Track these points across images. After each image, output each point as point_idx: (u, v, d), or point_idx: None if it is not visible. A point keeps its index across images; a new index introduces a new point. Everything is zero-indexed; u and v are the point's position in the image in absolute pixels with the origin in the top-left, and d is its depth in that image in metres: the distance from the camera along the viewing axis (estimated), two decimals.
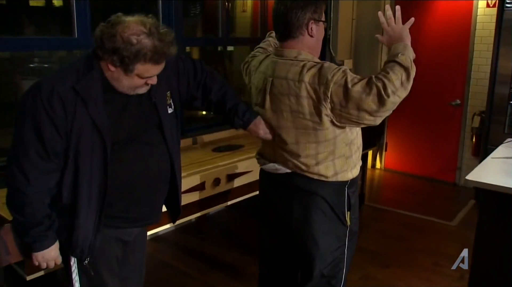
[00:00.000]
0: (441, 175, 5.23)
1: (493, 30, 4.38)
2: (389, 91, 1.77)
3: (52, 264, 1.78)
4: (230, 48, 5.38)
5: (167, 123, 1.83)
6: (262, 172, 2.22)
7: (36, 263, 1.75)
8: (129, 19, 1.57)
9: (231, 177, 2.87)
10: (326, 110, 1.84)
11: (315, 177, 1.98)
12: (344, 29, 5.17)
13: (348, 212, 2.08)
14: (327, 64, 1.86)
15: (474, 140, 4.82)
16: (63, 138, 1.61)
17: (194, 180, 2.65)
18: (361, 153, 2.12)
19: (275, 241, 2.25)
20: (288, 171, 2.03)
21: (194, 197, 2.65)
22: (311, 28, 1.90)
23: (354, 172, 2.06)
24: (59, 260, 1.79)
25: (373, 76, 1.81)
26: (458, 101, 4.98)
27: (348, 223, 2.09)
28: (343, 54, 5.19)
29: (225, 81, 2.12)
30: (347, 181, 2.04)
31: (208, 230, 3.90)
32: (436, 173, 5.26)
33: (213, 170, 2.79)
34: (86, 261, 1.77)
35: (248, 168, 2.99)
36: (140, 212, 1.85)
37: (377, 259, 3.42)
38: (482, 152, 4.47)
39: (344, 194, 2.05)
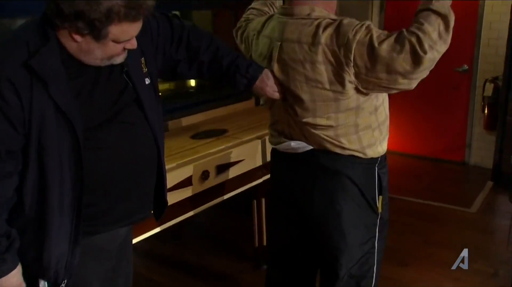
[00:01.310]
0: (448, 154, 5.30)
1: None
2: (426, 46, 1.69)
3: None
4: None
5: (146, 97, 1.73)
6: (275, 153, 2.18)
7: None
8: None
9: (221, 168, 2.78)
10: (349, 76, 1.78)
11: (341, 151, 1.94)
12: None
13: (380, 197, 2.05)
14: (346, 20, 1.79)
15: (486, 111, 4.86)
16: (19, 132, 1.46)
17: (179, 175, 2.52)
18: (388, 123, 2.08)
19: (290, 237, 2.21)
20: (308, 148, 1.99)
21: (180, 195, 2.53)
22: None
23: (384, 146, 2.04)
24: None
25: (404, 30, 1.74)
26: (466, 67, 5.01)
27: (379, 210, 2.06)
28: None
29: (212, 34, 2.01)
30: (377, 158, 2.01)
31: (186, 235, 3.80)
32: (442, 152, 5.32)
33: (199, 162, 2.67)
34: (63, 284, 1.66)
35: (240, 157, 2.90)
36: (126, 207, 1.76)
37: (392, 256, 3.39)
38: (500, 125, 4.52)
39: (374, 175, 2.02)
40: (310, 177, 2.01)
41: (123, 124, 1.68)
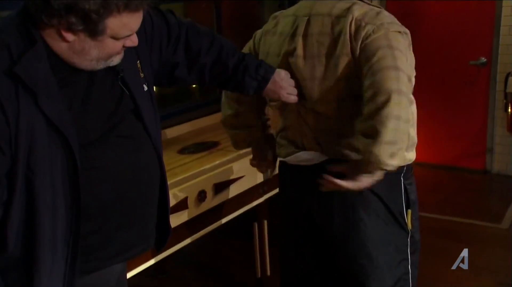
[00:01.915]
0: (467, 161, 5.34)
1: None
2: None
3: None
4: None
5: (144, 106, 1.71)
6: (284, 166, 2.21)
7: None
8: None
9: (220, 187, 2.77)
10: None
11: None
12: None
13: (409, 211, 2.09)
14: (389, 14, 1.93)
15: (510, 110, 4.89)
16: (6, 154, 1.42)
17: (172, 197, 2.49)
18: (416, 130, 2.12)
19: (307, 265, 2.23)
20: (323, 159, 2.00)
21: (175, 220, 2.50)
22: None
23: (412, 153, 2.08)
24: None
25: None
26: (483, 59, 5.07)
27: (409, 227, 2.09)
28: None
29: (213, 32, 2.01)
30: (403, 167, 2.03)
31: (172, 266, 3.75)
32: (459, 159, 5.36)
33: (194, 181, 2.66)
34: None
35: (239, 173, 2.89)
36: (126, 238, 1.72)
37: (420, 283, 3.39)
38: None
39: (400, 186, 2.06)
40: (326, 193, 1.97)
41: (122, 139, 1.65)
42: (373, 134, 1.75)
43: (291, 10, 2.10)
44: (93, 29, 1.43)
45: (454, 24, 5.07)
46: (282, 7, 5.15)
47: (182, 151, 3.13)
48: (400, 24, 1.93)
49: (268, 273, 3.28)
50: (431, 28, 5.12)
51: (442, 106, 5.32)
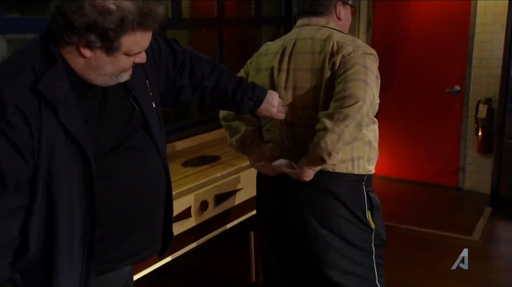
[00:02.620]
0: (442, 179, 5.32)
1: None
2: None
3: None
4: None
5: (152, 121, 1.71)
6: (260, 175, 2.35)
7: None
8: None
9: (220, 198, 2.73)
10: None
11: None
12: None
13: (368, 212, 2.20)
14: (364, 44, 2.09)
15: (480, 134, 4.90)
16: (29, 162, 1.40)
17: (178, 206, 2.44)
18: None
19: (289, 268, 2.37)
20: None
21: (180, 228, 2.46)
22: (339, 10, 2.20)
23: (372, 166, 2.21)
24: None
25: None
26: (457, 87, 5.07)
27: (372, 225, 2.21)
28: None
29: (213, 59, 2.02)
30: (364, 175, 2.17)
31: (174, 271, 3.68)
32: (434, 176, 5.34)
33: (198, 191, 2.62)
34: None
35: (238, 185, 2.86)
36: (136, 242, 1.71)
37: None
38: (496, 148, 4.56)
39: (362, 192, 2.18)
40: (299, 200, 2.17)
41: (133, 151, 1.64)
42: (327, 127, 1.90)
43: (281, 38, 2.27)
44: (110, 46, 1.43)
45: (433, 56, 5.08)
46: (278, 34, 5.16)
47: (185, 164, 3.08)
48: (372, 49, 2.08)
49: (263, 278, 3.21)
50: (412, 59, 5.13)
51: (421, 129, 5.31)
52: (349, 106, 1.88)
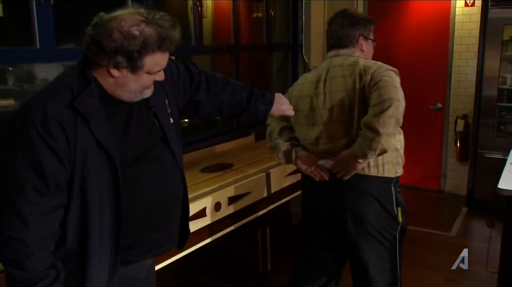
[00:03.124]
0: (425, 182, 5.25)
1: (473, 30, 4.50)
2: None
3: None
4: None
5: (170, 135, 1.71)
6: (308, 183, 2.33)
7: None
8: (120, 12, 1.46)
9: (232, 200, 2.71)
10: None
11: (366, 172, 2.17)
12: (317, 34, 5.12)
13: (399, 208, 2.25)
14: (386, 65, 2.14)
15: (458, 145, 4.86)
16: (66, 167, 1.43)
17: (195, 206, 2.45)
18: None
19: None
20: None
21: (197, 225, 2.45)
22: (361, 43, 2.27)
23: (400, 169, 2.26)
24: None
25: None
26: (439, 105, 5.03)
27: (400, 219, 2.26)
28: (317, 60, 5.13)
29: (225, 76, 2.03)
30: (393, 178, 2.21)
31: (198, 260, 3.65)
32: (419, 180, 5.27)
33: (212, 194, 2.61)
34: None
35: (247, 189, 2.84)
36: (156, 238, 1.70)
37: None
38: (471, 157, 4.51)
39: (391, 192, 2.22)
40: (342, 197, 2.21)
41: (153, 161, 1.64)
42: (375, 129, 1.95)
43: (315, 69, 2.35)
44: (134, 65, 1.45)
45: (419, 78, 5.04)
46: (286, 59, 5.16)
47: (203, 170, 3.07)
48: (393, 67, 2.12)
49: (269, 268, 3.19)
50: (401, 81, 5.09)
51: (408, 140, 5.10)
52: (389, 107, 1.93)
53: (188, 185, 2.65)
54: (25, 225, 1.39)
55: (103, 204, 1.50)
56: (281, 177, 3.13)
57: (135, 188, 1.58)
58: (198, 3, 3.86)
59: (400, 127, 2.15)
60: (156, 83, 1.61)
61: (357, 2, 5.21)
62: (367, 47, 2.30)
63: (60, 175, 1.42)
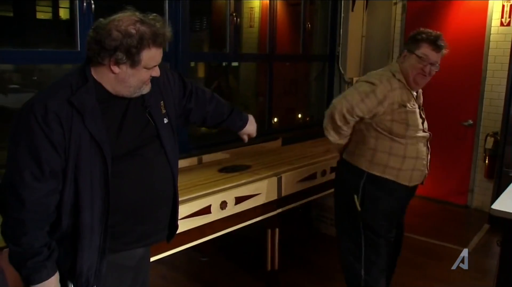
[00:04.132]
0: (453, 197, 5.06)
1: (508, 50, 4.29)
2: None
3: None
4: (235, 63, 5.27)
5: (164, 134, 1.75)
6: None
7: None
8: (118, 15, 1.55)
9: (239, 199, 2.73)
10: None
11: None
12: (354, 46, 5.05)
13: (355, 196, 2.43)
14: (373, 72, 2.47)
15: (487, 162, 4.65)
16: (61, 156, 1.52)
17: (200, 204, 2.49)
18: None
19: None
20: None
21: (200, 221, 2.49)
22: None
23: (375, 170, 2.46)
24: None
25: None
26: (471, 121, 4.83)
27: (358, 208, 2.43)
28: (352, 72, 5.06)
29: (211, 91, 2.15)
30: (364, 172, 2.47)
31: (211, 254, 3.72)
32: (447, 195, 5.08)
33: (220, 193, 2.64)
34: None
35: (257, 191, 2.84)
36: (143, 230, 1.74)
37: None
38: (497, 175, 4.31)
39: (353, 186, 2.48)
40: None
41: (144, 158, 1.68)
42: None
43: None
44: (133, 60, 1.53)
45: (452, 95, 4.87)
46: (323, 69, 5.13)
47: (221, 170, 3.11)
48: (382, 87, 2.32)
49: (276, 267, 3.19)
50: (435, 96, 4.91)
51: (439, 154, 5.05)
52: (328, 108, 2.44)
53: (201, 183, 2.73)
54: (23, 206, 1.48)
55: (94, 193, 1.56)
56: (294, 181, 3.12)
57: (124, 182, 1.63)
58: (234, 14, 3.90)
59: (429, 140, 2.52)
60: (154, 85, 1.70)
61: (395, 19, 5.09)
62: (408, 60, 2.45)
63: (55, 163, 1.50)
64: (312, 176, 3.27)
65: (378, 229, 2.46)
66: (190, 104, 1.99)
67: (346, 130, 2.44)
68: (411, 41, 2.38)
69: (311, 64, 5.31)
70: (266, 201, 2.91)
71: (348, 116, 2.36)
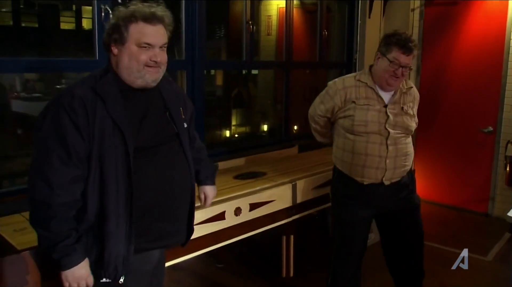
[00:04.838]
0: (472, 205, 4.96)
1: None
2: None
3: (83, 285, 1.63)
4: (254, 71, 5.29)
5: (184, 136, 1.82)
6: None
7: (67, 285, 1.61)
8: None
9: (254, 206, 2.72)
10: None
11: None
12: (371, 53, 5.00)
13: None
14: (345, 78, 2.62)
15: (508, 169, 4.55)
16: (85, 141, 1.58)
17: (214, 210, 2.50)
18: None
19: None
20: None
21: (213, 227, 2.50)
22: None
23: (341, 167, 2.64)
24: (91, 280, 1.65)
25: None
26: (491, 128, 4.75)
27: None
28: None
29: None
30: (336, 169, 2.70)
31: (227, 260, 3.71)
32: (466, 202, 5.00)
33: (235, 200, 2.64)
34: (121, 280, 1.68)
35: (271, 197, 2.84)
36: (162, 228, 1.76)
37: None
38: None
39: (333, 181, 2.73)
40: None
41: (165, 155, 1.74)
42: None
43: None
44: (122, 36, 1.64)
45: (471, 101, 4.81)
46: (342, 74, 5.10)
47: (236, 177, 3.12)
48: (334, 86, 2.56)
49: (291, 274, 3.17)
50: (453, 102, 4.88)
51: (459, 161, 5.01)
52: None
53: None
54: (51, 191, 1.54)
55: (118, 181, 1.61)
56: (309, 189, 3.11)
57: (145, 177, 1.68)
58: (250, 22, 3.92)
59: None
60: (172, 93, 1.83)
61: (413, 25, 5.05)
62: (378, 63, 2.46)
63: (79, 146, 1.57)
64: (327, 183, 3.24)
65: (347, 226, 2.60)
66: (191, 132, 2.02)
67: (321, 130, 2.69)
68: (383, 44, 2.42)
69: (329, 71, 5.30)
70: (281, 208, 2.90)
71: (314, 117, 2.66)
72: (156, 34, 1.67)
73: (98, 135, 1.59)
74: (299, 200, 3.02)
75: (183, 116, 1.86)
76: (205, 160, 2.14)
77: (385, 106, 2.45)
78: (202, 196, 2.14)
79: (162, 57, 1.70)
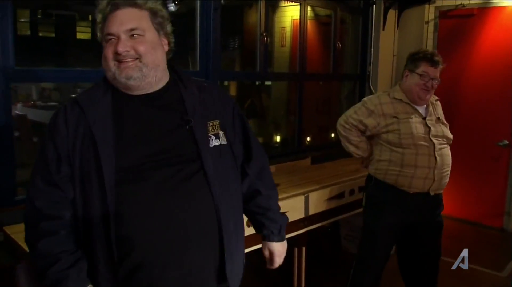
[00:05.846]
0: (487, 219, 4.89)
1: None
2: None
3: None
4: (268, 82, 5.31)
5: (208, 156, 1.42)
6: None
7: None
8: None
9: None
10: None
11: None
12: (385, 65, 5.03)
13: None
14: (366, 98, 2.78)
15: None
16: (63, 160, 1.39)
17: None
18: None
19: None
20: None
21: None
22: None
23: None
24: None
25: None
26: (506, 142, 4.70)
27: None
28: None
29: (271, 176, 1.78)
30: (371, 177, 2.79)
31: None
32: (482, 217, 4.93)
33: None
34: None
35: (284, 209, 2.80)
36: (167, 278, 1.39)
37: None
38: None
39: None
40: None
41: (168, 181, 1.38)
42: None
43: None
44: (99, 28, 1.45)
45: (486, 114, 4.78)
46: (354, 89, 5.11)
47: None
48: (370, 102, 2.68)
49: (303, 286, 3.15)
50: (469, 115, 4.84)
51: (474, 175, 4.95)
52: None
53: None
54: (37, 212, 1.39)
55: (104, 205, 1.36)
56: (321, 200, 3.10)
57: (133, 208, 1.36)
58: (265, 33, 3.95)
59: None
60: (203, 104, 1.50)
61: (427, 37, 5.04)
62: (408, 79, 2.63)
63: (60, 167, 1.39)
64: (340, 195, 3.25)
65: (378, 232, 2.67)
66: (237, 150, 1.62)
67: (354, 138, 2.71)
68: (410, 62, 2.61)
69: (343, 83, 5.30)
70: (293, 219, 2.89)
71: (345, 125, 2.71)
72: (120, 20, 1.37)
73: (78, 152, 1.38)
74: (311, 212, 3.01)
75: (217, 131, 1.49)
76: (272, 210, 1.72)
77: (424, 118, 2.59)
78: (267, 253, 1.76)
79: (131, 45, 1.37)
